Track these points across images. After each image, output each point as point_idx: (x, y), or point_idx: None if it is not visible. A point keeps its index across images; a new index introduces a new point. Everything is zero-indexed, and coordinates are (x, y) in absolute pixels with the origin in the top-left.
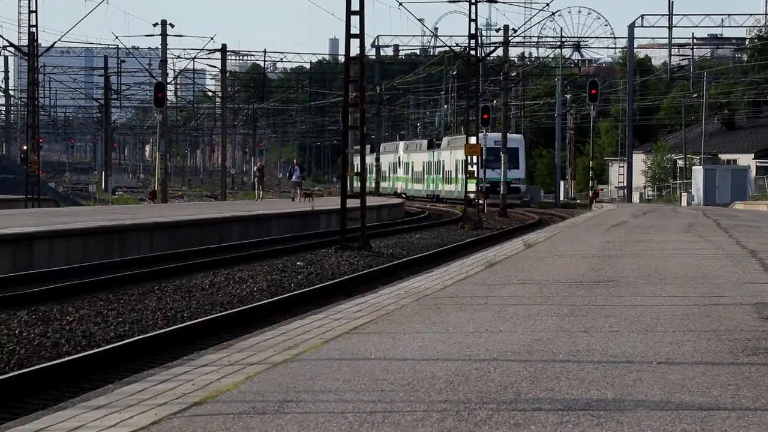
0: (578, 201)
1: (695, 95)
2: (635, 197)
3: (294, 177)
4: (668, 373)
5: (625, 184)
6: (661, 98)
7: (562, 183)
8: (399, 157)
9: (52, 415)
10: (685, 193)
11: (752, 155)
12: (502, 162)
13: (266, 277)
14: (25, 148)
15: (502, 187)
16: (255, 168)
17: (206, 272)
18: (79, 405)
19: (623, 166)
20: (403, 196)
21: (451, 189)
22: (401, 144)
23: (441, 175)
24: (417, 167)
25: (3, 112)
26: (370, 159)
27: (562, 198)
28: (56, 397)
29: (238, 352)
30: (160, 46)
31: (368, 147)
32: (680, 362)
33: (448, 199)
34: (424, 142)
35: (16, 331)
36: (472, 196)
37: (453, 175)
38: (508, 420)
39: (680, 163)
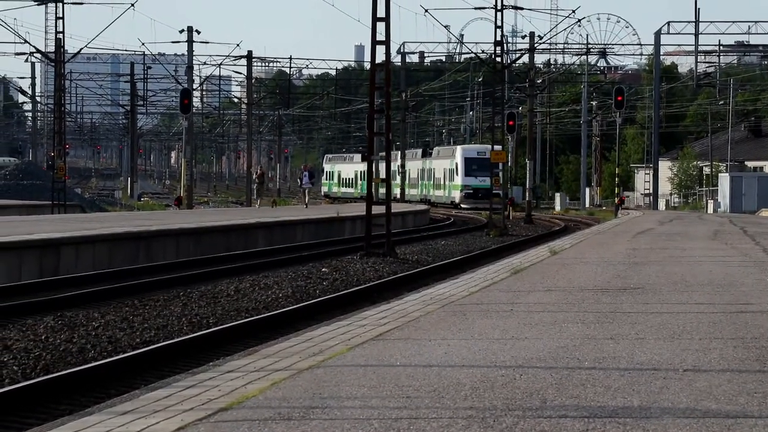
0: (604, 208)
1: (722, 102)
2: (661, 204)
3: (303, 182)
4: (695, 381)
5: (651, 191)
6: (687, 105)
7: (587, 190)
8: (398, 165)
9: (78, 421)
10: (712, 201)
11: None
12: (531, 170)
13: (291, 283)
14: (52, 154)
15: (527, 194)
16: (255, 175)
17: (231, 278)
18: (105, 410)
19: (649, 173)
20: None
21: (440, 194)
22: (399, 153)
23: (432, 182)
24: (413, 174)
25: (30, 118)
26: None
27: (587, 205)
28: (82, 402)
29: (263, 358)
30: (186, 53)
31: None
32: (707, 370)
33: (438, 203)
34: (419, 151)
35: (43, 337)
36: (456, 201)
37: (442, 182)
38: (534, 427)
39: (706, 170)
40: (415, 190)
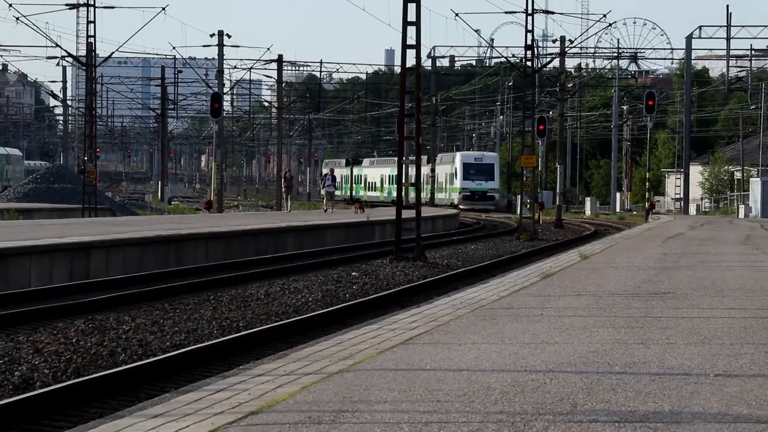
0: (634, 212)
1: (753, 107)
2: (692, 209)
3: (326, 185)
4: (726, 386)
5: (681, 196)
6: (718, 110)
7: (618, 194)
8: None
9: (109, 424)
10: (743, 205)
11: None
12: (563, 176)
13: (321, 287)
14: (86, 159)
15: (558, 198)
16: (284, 177)
17: (261, 282)
18: (136, 413)
19: (680, 178)
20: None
21: (441, 197)
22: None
23: (435, 185)
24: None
25: (61, 122)
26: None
27: (618, 209)
28: (113, 405)
29: (293, 361)
30: (216, 57)
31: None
32: (738, 375)
33: (440, 205)
34: (425, 158)
35: (73, 340)
36: (455, 202)
37: (443, 186)
38: (564, 431)
39: (738, 174)
40: (422, 193)
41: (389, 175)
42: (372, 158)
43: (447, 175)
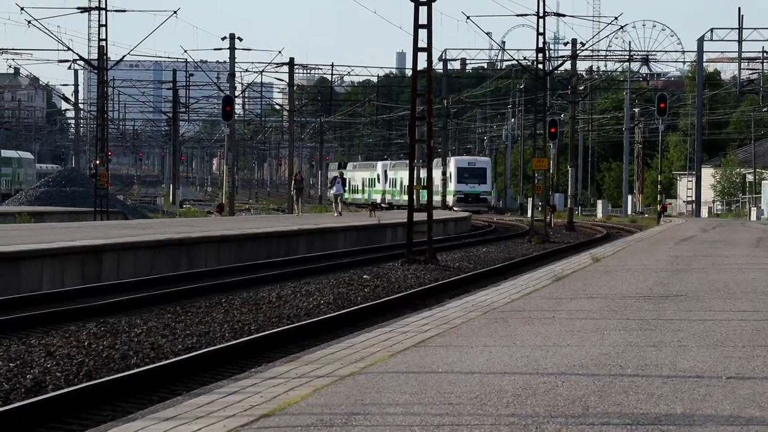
0: (646, 215)
1: (765, 109)
2: (704, 212)
3: (335, 189)
4: (738, 388)
5: (693, 199)
6: (730, 112)
7: (630, 197)
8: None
9: (120, 427)
10: (755, 208)
11: None
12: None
13: (333, 290)
14: (98, 162)
15: (567, 199)
16: (294, 179)
17: (273, 285)
18: (148, 416)
19: (692, 181)
20: None
21: (437, 199)
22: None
23: (438, 188)
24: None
25: (72, 126)
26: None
27: (629, 212)
28: (125, 408)
29: (305, 364)
30: (228, 60)
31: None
32: (750, 377)
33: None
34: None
35: (85, 343)
36: (450, 204)
37: (439, 189)
38: None
39: (749, 177)
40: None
41: (369, 179)
42: (355, 162)
43: (442, 178)
